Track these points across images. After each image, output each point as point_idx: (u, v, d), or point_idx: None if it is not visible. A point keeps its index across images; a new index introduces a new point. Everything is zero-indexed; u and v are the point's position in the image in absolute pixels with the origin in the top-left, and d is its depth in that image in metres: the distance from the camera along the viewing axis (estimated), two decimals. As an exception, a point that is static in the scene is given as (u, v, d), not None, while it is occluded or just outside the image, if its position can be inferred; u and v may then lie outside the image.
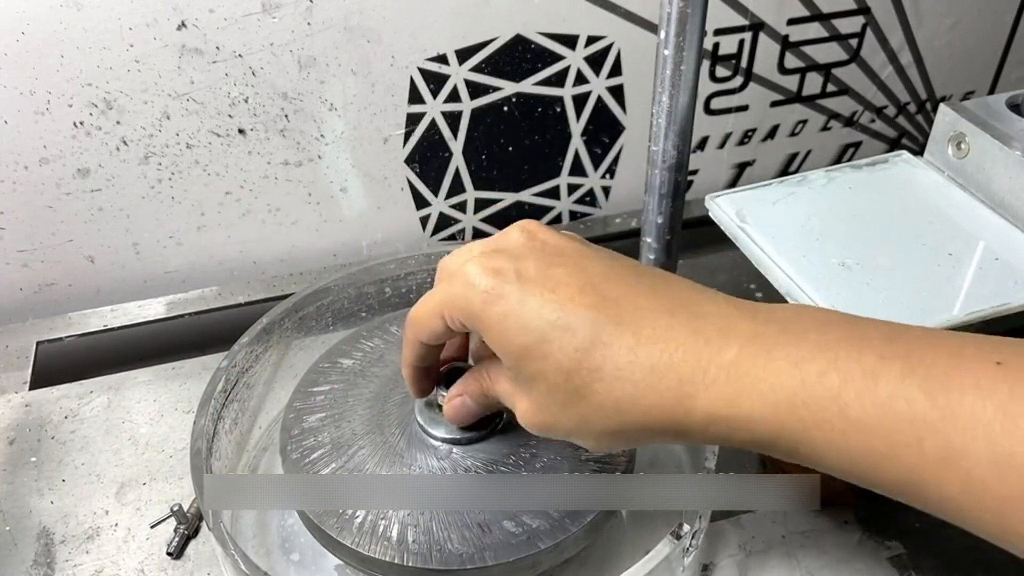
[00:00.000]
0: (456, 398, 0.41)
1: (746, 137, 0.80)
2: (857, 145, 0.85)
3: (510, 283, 0.33)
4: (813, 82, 0.78)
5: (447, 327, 0.36)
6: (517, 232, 0.37)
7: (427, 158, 0.71)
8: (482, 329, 0.34)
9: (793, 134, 0.81)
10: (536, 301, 0.33)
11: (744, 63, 0.75)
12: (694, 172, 0.80)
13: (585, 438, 0.35)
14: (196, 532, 0.49)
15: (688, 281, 0.35)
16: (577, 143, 0.74)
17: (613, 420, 0.33)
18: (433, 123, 0.69)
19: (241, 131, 0.65)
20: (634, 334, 0.32)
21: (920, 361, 0.29)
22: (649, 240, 0.55)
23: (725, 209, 0.52)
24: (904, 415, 0.28)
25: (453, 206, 0.75)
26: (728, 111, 0.77)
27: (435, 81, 0.67)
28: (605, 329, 0.32)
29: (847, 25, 0.75)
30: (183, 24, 0.59)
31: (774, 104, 0.78)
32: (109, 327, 0.66)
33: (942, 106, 0.53)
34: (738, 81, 0.76)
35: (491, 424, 0.45)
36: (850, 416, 0.29)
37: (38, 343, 0.64)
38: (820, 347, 0.30)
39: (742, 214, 0.52)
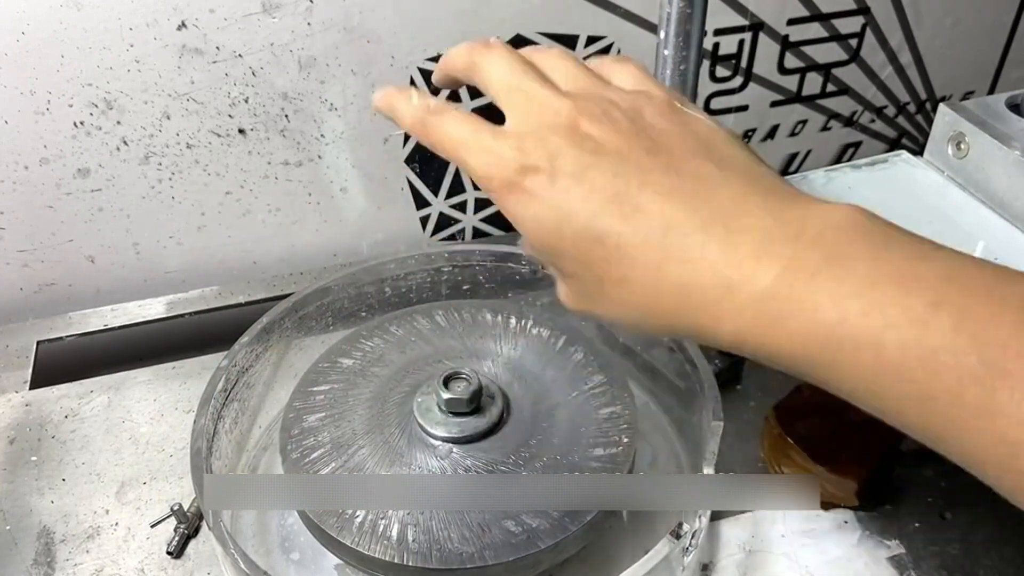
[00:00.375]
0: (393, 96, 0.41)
1: (746, 137, 0.80)
2: (857, 145, 0.85)
3: (541, 175, 0.31)
4: (813, 82, 0.78)
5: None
6: (563, 70, 0.35)
7: (427, 158, 0.71)
8: (503, 210, 0.33)
9: (793, 134, 0.81)
10: (566, 206, 0.31)
11: (744, 63, 0.75)
12: (694, 172, 0.80)
13: (620, 326, 0.35)
14: (196, 531, 0.49)
15: (743, 169, 0.32)
16: (577, 143, 0.74)
17: (646, 322, 0.32)
18: (433, 123, 0.69)
19: (241, 131, 0.65)
20: (662, 251, 0.30)
21: (977, 317, 0.26)
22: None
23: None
24: (948, 367, 0.26)
25: (453, 206, 0.75)
26: (728, 111, 0.77)
27: (435, 81, 0.67)
28: (631, 244, 0.30)
29: (847, 25, 0.75)
30: (183, 24, 0.59)
31: (774, 104, 0.78)
32: (109, 327, 0.66)
33: (942, 106, 0.54)
34: (738, 81, 0.76)
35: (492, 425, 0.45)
36: (886, 359, 0.27)
37: (38, 343, 0.64)
38: (867, 283, 0.28)
39: None
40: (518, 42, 0.67)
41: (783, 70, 0.76)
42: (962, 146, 0.53)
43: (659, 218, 0.30)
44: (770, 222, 0.30)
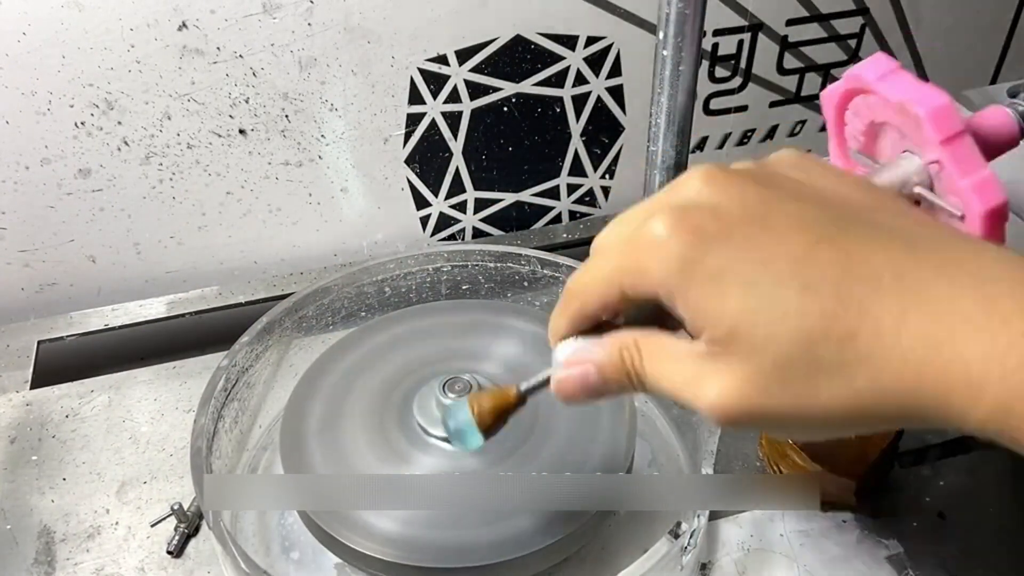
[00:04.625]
0: (577, 366, 0.31)
1: (745, 137, 0.80)
2: (856, 145, 0.85)
3: (716, 238, 0.26)
4: (812, 82, 0.78)
5: (624, 298, 0.29)
6: (699, 179, 0.28)
7: (427, 158, 0.71)
8: (681, 296, 0.27)
9: (792, 134, 0.81)
10: (758, 255, 0.26)
11: (743, 63, 0.75)
12: (694, 172, 0.80)
13: (800, 424, 0.27)
14: (196, 531, 0.49)
15: (948, 228, 0.28)
16: (577, 143, 0.75)
17: (855, 402, 0.26)
18: (433, 123, 0.69)
19: (242, 131, 0.65)
20: (899, 299, 0.25)
21: None
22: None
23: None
24: None
25: (453, 206, 0.75)
26: (727, 111, 0.77)
27: (435, 81, 0.67)
28: (858, 290, 0.25)
29: (846, 26, 0.75)
30: (184, 25, 0.59)
31: (773, 104, 0.78)
32: (110, 326, 0.66)
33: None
34: (737, 81, 0.76)
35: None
36: None
37: (39, 342, 0.65)
38: None
39: None
40: (518, 42, 0.67)
41: (782, 70, 0.77)
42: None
43: (882, 259, 0.25)
44: (1020, 274, 0.25)
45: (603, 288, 0.29)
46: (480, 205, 0.76)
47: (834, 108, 0.44)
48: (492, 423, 0.35)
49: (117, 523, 0.50)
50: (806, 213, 0.27)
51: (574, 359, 0.31)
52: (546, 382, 0.32)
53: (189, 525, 0.49)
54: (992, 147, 0.40)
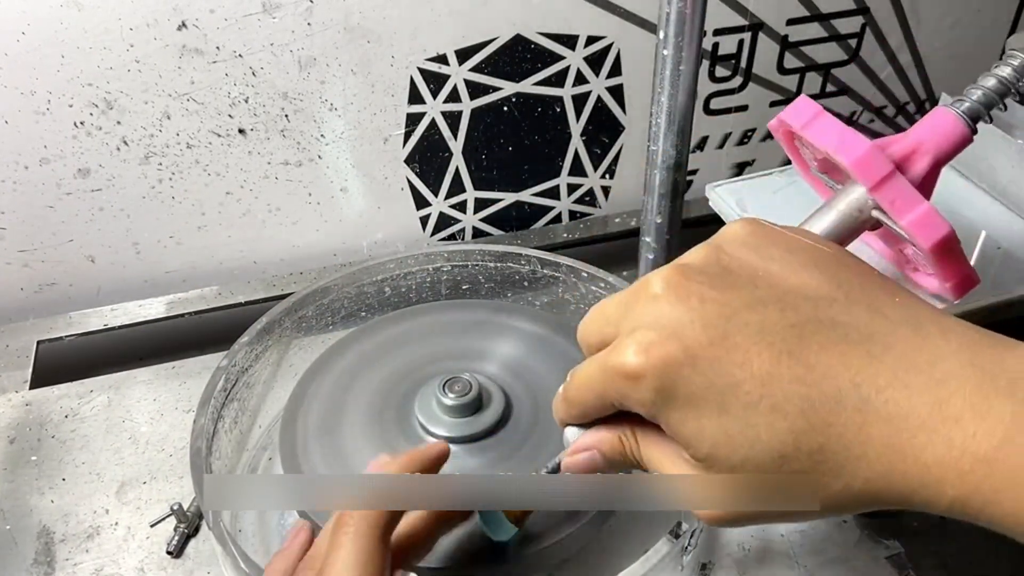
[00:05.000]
0: (584, 452, 0.34)
1: (745, 137, 0.80)
2: (856, 145, 0.85)
3: (684, 365, 0.28)
4: (812, 82, 0.78)
5: (615, 408, 0.31)
6: (660, 287, 0.29)
7: (427, 158, 0.71)
8: (661, 420, 0.29)
9: (793, 134, 0.81)
10: (726, 380, 0.27)
11: (743, 63, 0.75)
12: (693, 172, 0.80)
13: (785, 521, 0.30)
14: (196, 531, 0.49)
15: (903, 307, 0.29)
16: (577, 143, 0.75)
17: (831, 503, 0.28)
18: (433, 123, 0.69)
19: (241, 131, 0.65)
20: (860, 413, 0.27)
21: None
22: (648, 240, 0.55)
23: (725, 198, 0.53)
24: None
25: (453, 206, 0.75)
26: (727, 111, 0.77)
27: (435, 81, 0.67)
28: (824, 408, 0.27)
29: (846, 25, 0.75)
30: (183, 24, 0.59)
31: (773, 104, 0.78)
32: (109, 326, 0.66)
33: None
34: (737, 81, 0.76)
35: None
36: None
37: (39, 342, 0.65)
38: None
39: (742, 203, 0.52)
40: (518, 42, 0.67)
41: (783, 70, 0.76)
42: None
43: (841, 371, 0.27)
44: (971, 371, 0.26)
45: (595, 402, 0.32)
46: (480, 205, 0.76)
47: (782, 139, 0.45)
48: (520, 511, 0.38)
49: (117, 523, 0.50)
50: (765, 323, 0.28)
51: (580, 445, 0.34)
52: (558, 467, 0.35)
53: (189, 525, 0.49)
54: (945, 152, 0.40)
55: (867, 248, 0.48)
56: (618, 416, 0.32)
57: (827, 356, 0.27)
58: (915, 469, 0.26)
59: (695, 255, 0.31)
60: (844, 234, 0.40)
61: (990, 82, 0.40)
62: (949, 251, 0.38)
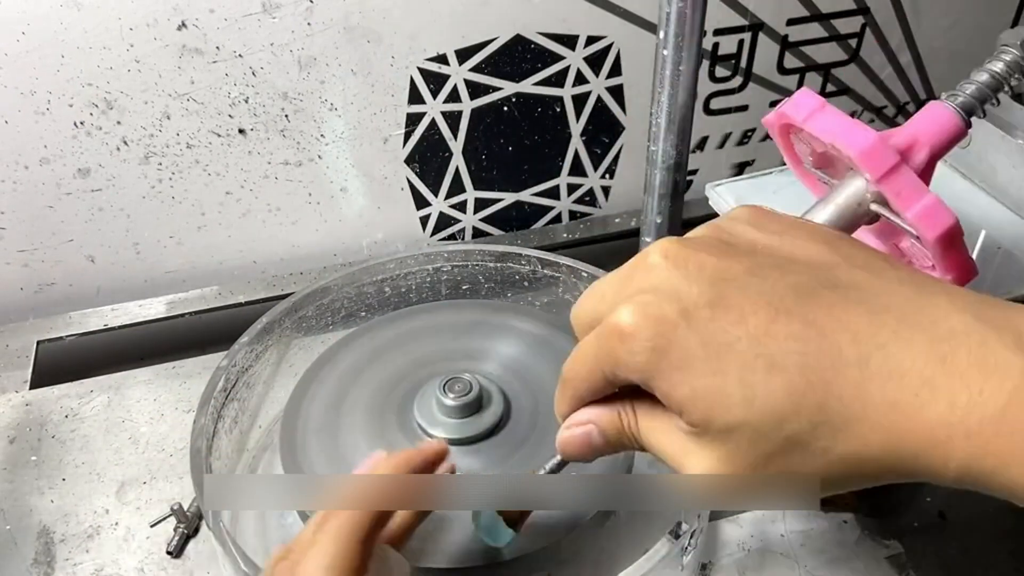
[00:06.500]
0: (579, 426, 0.32)
1: (745, 137, 0.80)
2: (857, 145, 0.85)
3: (679, 325, 0.27)
4: (812, 82, 0.78)
5: (609, 382, 0.30)
6: (658, 257, 0.29)
7: (427, 158, 0.71)
8: (655, 383, 0.28)
9: (793, 134, 0.81)
10: (721, 338, 0.26)
11: (743, 63, 0.75)
12: (693, 172, 0.80)
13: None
14: (196, 531, 0.49)
15: (906, 272, 0.28)
16: (577, 143, 0.75)
17: (832, 470, 0.27)
18: (433, 123, 0.69)
19: (241, 131, 0.65)
20: (859, 369, 0.25)
21: None
22: (648, 240, 0.55)
23: (725, 197, 0.53)
24: None
25: (453, 206, 0.75)
26: (728, 111, 0.77)
27: (435, 81, 0.67)
28: (822, 365, 0.26)
29: (846, 25, 0.75)
30: (183, 24, 0.59)
31: (773, 104, 0.78)
32: (109, 326, 0.66)
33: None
34: (737, 81, 0.76)
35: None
36: None
37: (39, 342, 0.64)
38: None
39: (742, 203, 0.52)
40: (518, 41, 0.67)
41: (783, 70, 0.76)
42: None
43: (839, 326, 0.26)
44: (980, 326, 0.25)
45: (588, 376, 0.30)
46: (480, 205, 0.76)
47: (777, 135, 0.44)
48: (518, 515, 0.37)
49: (117, 523, 0.50)
50: (763, 285, 0.27)
51: (578, 419, 0.32)
52: (558, 466, 0.35)
53: (189, 525, 0.49)
54: (941, 145, 0.40)
55: (865, 246, 0.48)
56: (616, 396, 0.31)
57: (825, 314, 0.26)
58: (919, 429, 0.25)
59: (695, 232, 0.31)
60: (842, 228, 0.40)
61: (983, 77, 0.40)
62: (953, 242, 0.38)
